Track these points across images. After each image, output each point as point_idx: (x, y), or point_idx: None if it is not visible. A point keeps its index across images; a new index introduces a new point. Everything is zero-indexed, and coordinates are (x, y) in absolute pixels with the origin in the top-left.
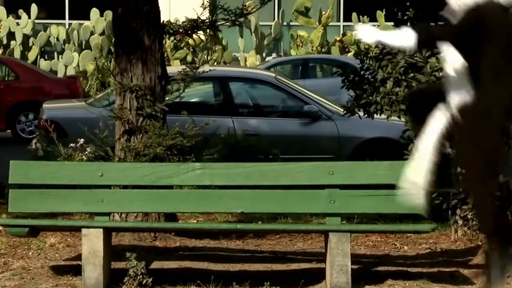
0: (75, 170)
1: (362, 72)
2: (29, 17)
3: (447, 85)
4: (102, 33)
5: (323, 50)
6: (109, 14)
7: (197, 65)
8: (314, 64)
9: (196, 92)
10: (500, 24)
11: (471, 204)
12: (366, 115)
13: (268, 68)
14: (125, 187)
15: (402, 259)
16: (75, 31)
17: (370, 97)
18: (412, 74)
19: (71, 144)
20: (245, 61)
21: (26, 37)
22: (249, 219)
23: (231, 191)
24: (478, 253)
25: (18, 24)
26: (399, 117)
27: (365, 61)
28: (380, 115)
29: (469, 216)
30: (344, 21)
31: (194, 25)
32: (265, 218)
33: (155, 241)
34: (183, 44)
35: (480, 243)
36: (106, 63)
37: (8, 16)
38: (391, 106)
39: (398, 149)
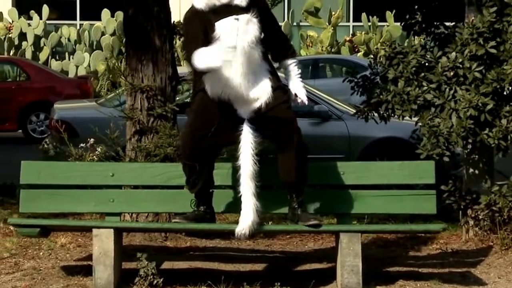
0: (86, 170)
1: (372, 77)
2: (41, 18)
3: None
4: (113, 34)
5: (332, 50)
6: (120, 14)
7: None
8: (324, 64)
9: None
10: None
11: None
12: (381, 120)
13: (277, 69)
14: (135, 187)
15: (413, 260)
16: (86, 32)
17: (381, 96)
18: (423, 74)
19: (82, 144)
20: None
21: (37, 38)
22: (259, 219)
23: None
24: (489, 254)
25: (29, 25)
26: (410, 116)
27: (375, 65)
28: (391, 115)
29: (480, 217)
30: (353, 21)
31: None
32: (276, 218)
33: (166, 241)
34: None
35: (492, 244)
36: (117, 64)
37: (19, 17)
38: (402, 105)
39: (408, 149)
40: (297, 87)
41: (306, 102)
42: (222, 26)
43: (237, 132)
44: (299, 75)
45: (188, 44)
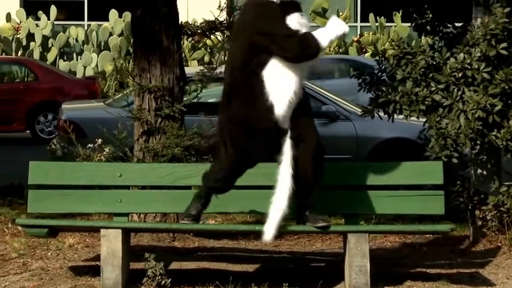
0: (94, 171)
1: (379, 74)
2: (49, 19)
3: None
4: (120, 34)
5: (340, 50)
6: (128, 15)
7: (215, 66)
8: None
9: (214, 93)
10: None
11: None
12: (386, 115)
13: None
14: (143, 187)
15: (421, 260)
16: (94, 32)
17: (389, 96)
18: (431, 75)
19: (90, 145)
20: None
21: (45, 38)
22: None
23: (250, 192)
24: (497, 254)
25: (37, 25)
26: (417, 117)
27: (383, 62)
28: (398, 115)
29: (488, 217)
30: (361, 21)
31: (212, 26)
32: (284, 219)
33: (174, 241)
34: (200, 45)
35: (500, 244)
36: (124, 64)
37: (27, 18)
38: (410, 105)
39: (416, 150)
40: None
41: None
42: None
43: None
44: None
45: (286, 31)
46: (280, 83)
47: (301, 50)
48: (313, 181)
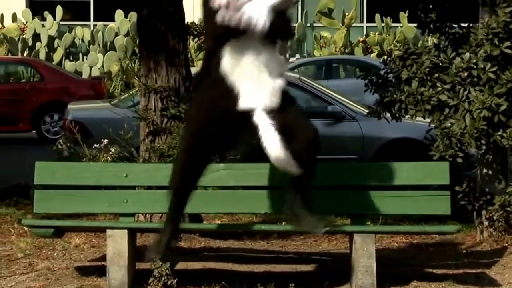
0: (100, 171)
1: (385, 75)
2: (54, 19)
3: None
4: (126, 34)
5: (346, 51)
6: (133, 15)
7: None
8: (337, 64)
9: None
10: None
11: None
12: (392, 118)
13: (291, 69)
14: (149, 187)
15: (427, 261)
16: (100, 33)
17: (394, 96)
18: (437, 75)
19: (96, 145)
20: None
21: (51, 39)
22: (273, 220)
23: (256, 192)
24: (504, 254)
25: (43, 25)
26: (423, 117)
27: (388, 63)
28: (404, 115)
29: (494, 217)
30: (367, 22)
31: None
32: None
33: (180, 241)
34: None
35: (506, 245)
36: (130, 64)
37: (33, 18)
38: (415, 105)
39: (422, 150)
40: None
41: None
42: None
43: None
44: None
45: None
46: (238, 62)
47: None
48: (308, 166)
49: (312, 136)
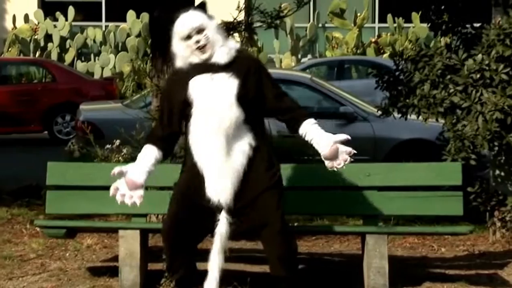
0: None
1: (397, 73)
2: (66, 20)
3: None
4: (138, 35)
5: (358, 51)
6: (145, 16)
7: None
8: (349, 65)
9: None
10: None
11: None
12: (400, 116)
13: (303, 70)
14: (161, 188)
15: (439, 261)
16: (112, 33)
17: (407, 100)
18: (449, 76)
19: (108, 146)
20: (280, 62)
21: (63, 39)
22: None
23: None
24: None
25: (55, 26)
26: (436, 119)
27: (400, 62)
28: (417, 118)
29: (507, 218)
30: (379, 22)
31: (230, 26)
32: (301, 220)
33: None
34: None
35: None
36: (142, 65)
37: (45, 19)
38: (428, 108)
39: (434, 151)
40: (327, 143)
41: (342, 164)
42: (196, 85)
43: (213, 221)
44: (324, 131)
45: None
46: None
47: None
48: (286, 275)
49: (280, 230)
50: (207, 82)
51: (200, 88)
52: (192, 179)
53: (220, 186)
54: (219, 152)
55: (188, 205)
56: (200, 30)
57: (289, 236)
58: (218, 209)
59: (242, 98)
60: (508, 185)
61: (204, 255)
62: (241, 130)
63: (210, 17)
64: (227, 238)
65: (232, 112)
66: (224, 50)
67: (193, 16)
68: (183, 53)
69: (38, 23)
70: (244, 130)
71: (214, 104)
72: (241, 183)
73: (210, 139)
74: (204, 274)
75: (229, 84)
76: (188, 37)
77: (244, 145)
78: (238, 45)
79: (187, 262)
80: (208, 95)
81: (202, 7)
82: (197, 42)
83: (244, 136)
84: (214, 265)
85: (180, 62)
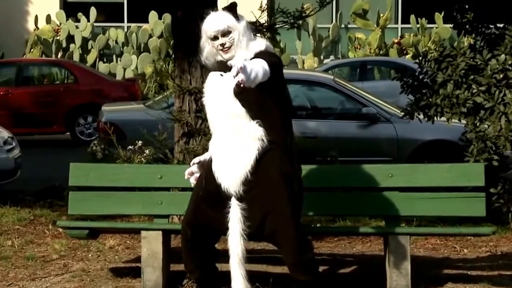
0: (134, 173)
1: (420, 76)
2: (88, 20)
3: None
4: (160, 36)
5: (381, 52)
6: (167, 16)
7: None
8: (372, 66)
9: None
10: None
11: None
12: (426, 119)
13: (326, 71)
14: (184, 189)
15: (462, 262)
16: (134, 34)
17: (430, 99)
18: (472, 77)
19: (130, 147)
20: (303, 63)
21: (85, 40)
22: (307, 222)
23: None
24: None
25: (77, 27)
26: (459, 119)
27: (423, 64)
28: (439, 118)
29: None
30: (402, 23)
31: (252, 27)
32: (324, 221)
33: None
34: None
35: None
36: (164, 66)
37: (67, 20)
38: (451, 108)
39: (457, 152)
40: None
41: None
42: (210, 81)
43: (224, 209)
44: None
45: None
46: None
47: None
48: (301, 264)
49: (293, 238)
50: (217, 78)
51: (211, 84)
52: (208, 172)
53: (227, 176)
54: (224, 144)
55: (204, 198)
56: (226, 33)
57: (302, 242)
58: (229, 197)
59: (240, 94)
60: None
61: (226, 257)
62: (247, 125)
63: (239, 18)
64: (241, 221)
65: (230, 106)
66: (243, 54)
67: (220, 18)
68: (209, 50)
69: (60, 24)
70: (252, 126)
71: (214, 99)
72: (249, 175)
73: (216, 132)
74: (227, 275)
75: (232, 81)
76: (215, 38)
77: (251, 139)
78: (263, 45)
79: (204, 262)
80: (213, 91)
81: (232, 7)
82: (222, 44)
83: (252, 131)
84: (235, 245)
85: (205, 56)
